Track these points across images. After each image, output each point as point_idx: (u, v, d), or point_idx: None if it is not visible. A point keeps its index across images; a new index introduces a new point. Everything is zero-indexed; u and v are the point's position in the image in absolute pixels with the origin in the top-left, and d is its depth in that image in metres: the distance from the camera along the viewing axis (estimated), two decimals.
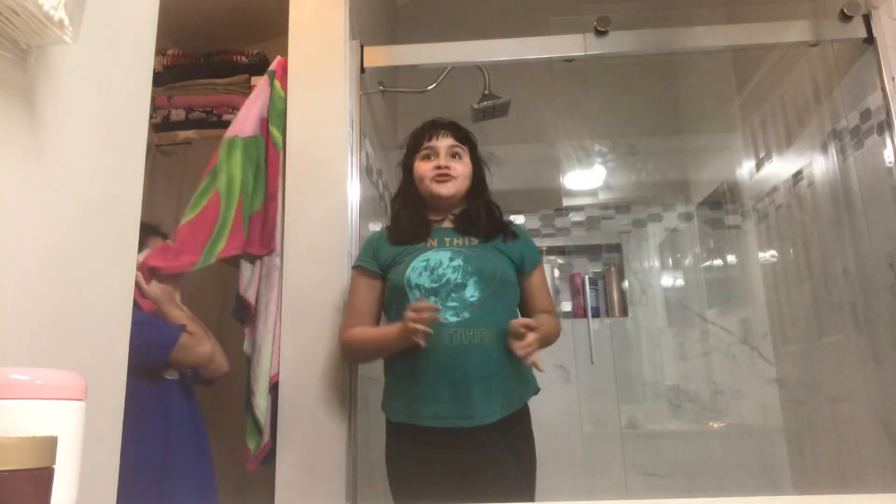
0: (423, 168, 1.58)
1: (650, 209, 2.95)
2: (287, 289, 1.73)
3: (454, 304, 1.44)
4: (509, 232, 1.59)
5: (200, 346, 1.55)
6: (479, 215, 1.59)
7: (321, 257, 1.75)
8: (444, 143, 1.58)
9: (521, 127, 2.81)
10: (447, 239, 1.55)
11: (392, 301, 1.52)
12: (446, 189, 1.55)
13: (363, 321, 1.55)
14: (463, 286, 1.45)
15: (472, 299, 1.45)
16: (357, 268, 1.60)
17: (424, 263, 1.49)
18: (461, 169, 1.58)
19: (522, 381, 1.49)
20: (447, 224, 1.60)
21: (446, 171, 1.55)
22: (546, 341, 1.49)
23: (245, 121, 1.78)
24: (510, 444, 1.44)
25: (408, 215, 1.60)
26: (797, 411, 2.44)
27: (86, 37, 0.71)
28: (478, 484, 1.41)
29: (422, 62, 2.17)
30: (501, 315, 1.46)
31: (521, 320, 1.41)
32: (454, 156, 1.59)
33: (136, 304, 1.54)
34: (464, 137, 1.63)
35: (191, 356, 1.55)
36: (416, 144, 1.62)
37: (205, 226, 1.66)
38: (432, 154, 1.58)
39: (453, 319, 1.43)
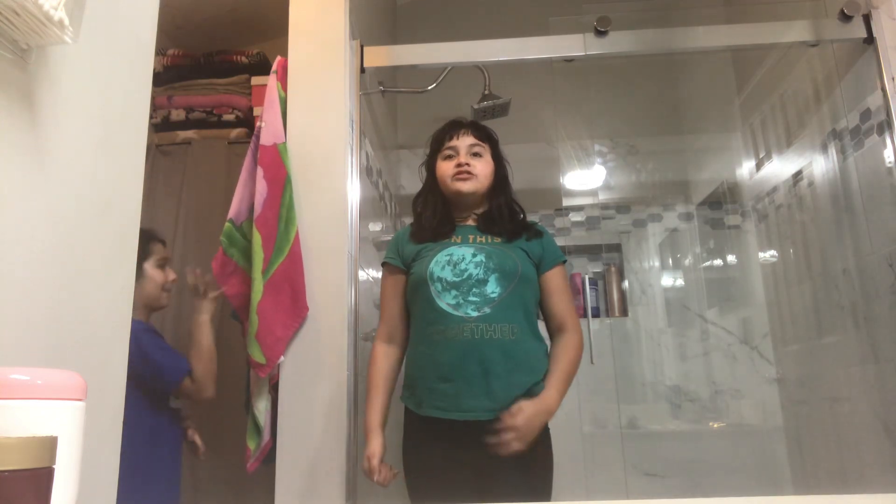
0: (445, 167, 1.60)
1: (650, 209, 2.95)
2: None
3: (475, 299, 1.46)
4: (533, 230, 1.60)
5: (200, 393, 1.64)
6: (502, 215, 1.60)
7: (321, 257, 1.75)
8: (464, 142, 1.61)
9: (521, 127, 2.81)
10: (471, 236, 1.57)
11: (415, 293, 1.54)
12: (468, 186, 1.57)
13: (392, 324, 1.59)
14: (484, 282, 1.47)
15: (492, 295, 1.46)
16: (384, 264, 1.64)
17: (448, 258, 1.51)
18: (482, 167, 1.59)
19: (540, 380, 1.48)
20: (470, 222, 1.62)
21: (467, 168, 1.57)
22: (571, 374, 1.50)
23: (282, 125, 1.80)
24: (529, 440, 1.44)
25: (430, 215, 1.62)
26: (797, 411, 2.44)
27: (86, 37, 0.71)
28: (495, 479, 1.42)
29: (422, 62, 2.17)
30: (522, 311, 1.48)
31: (507, 421, 1.39)
32: (475, 154, 1.60)
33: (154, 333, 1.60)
34: (485, 136, 1.65)
35: (192, 399, 1.67)
36: (437, 145, 1.65)
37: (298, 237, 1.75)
38: (453, 153, 1.61)
39: (474, 314, 1.44)
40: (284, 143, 1.78)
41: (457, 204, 1.62)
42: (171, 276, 1.72)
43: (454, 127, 1.64)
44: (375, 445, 1.48)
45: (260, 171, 1.74)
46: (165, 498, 1.62)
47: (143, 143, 0.88)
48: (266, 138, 1.77)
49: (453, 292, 1.47)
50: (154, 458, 1.59)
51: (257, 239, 1.68)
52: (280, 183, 1.74)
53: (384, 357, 1.57)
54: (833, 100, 2.11)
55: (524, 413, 1.39)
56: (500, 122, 2.42)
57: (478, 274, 1.48)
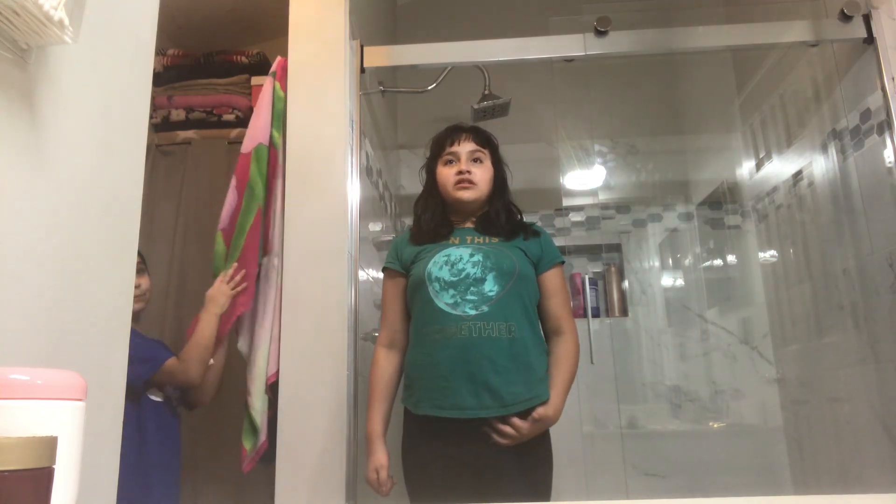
0: (446, 173, 1.61)
1: (650, 209, 2.95)
2: (287, 289, 1.73)
3: (473, 297, 1.46)
4: (530, 231, 1.61)
5: (186, 374, 1.65)
6: (500, 217, 1.61)
7: (321, 257, 1.75)
8: (465, 148, 1.61)
9: (521, 127, 2.81)
10: (468, 237, 1.58)
11: (414, 294, 1.54)
12: (468, 195, 1.58)
13: (393, 328, 1.59)
14: (482, 281, 1.48)
15: (490, 294, 1.47)
16: (385, 269, 1.64)
17: (445, 258, 1.51)
18: (482, 174, 1.60)
19: (539, 378, 1.48)
20: (468, 225, 1.63)
21: (468, 176, 1.58)
22: (572, 379, 1.52)
23: (265, 127, 1.79)
24: (528, 440, 1.44)
25: (429, 217, 1.63)
26: (797, 411, 2.44)
27: (86, 37, 0.71)
28: (495, 478, 1.43)
29: (422, 62, 2.17)
30: (520, 310, 1.49)
31: (512, 424, 1.42)
32: (475, 160, 1.61)
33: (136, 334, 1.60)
34: (485, 141, 1.65)
35: (176, 380, 1.66)
36: (438, 149, 1.65)
37: (255, 242, 1.74)
38: (454, 159, 1.61)
39: (472, 313, 1.45)
40: (264, 144, 1.77)
41: (456, 209, 1.63)
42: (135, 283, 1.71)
43: (455, 132, 1.64)
44: (382, 456, 1.49)
45: (233, 181, 1.76)
46: (159, 493, 1.61)
47: (143, 143, 0.88)
48: (246, 145, 1.77)
49: (451, 291, 1.47)
50: (144, 451, 1.58)
51: (221, 249, 1.74)
52: (237, 191, 1.77)
53: (386, 362, 1.57)
54: (833, 100, 2.11)
55: (541, 423, 1.43)
56: (500, 122, 2.42)
57: (475, 273, 1.48)
